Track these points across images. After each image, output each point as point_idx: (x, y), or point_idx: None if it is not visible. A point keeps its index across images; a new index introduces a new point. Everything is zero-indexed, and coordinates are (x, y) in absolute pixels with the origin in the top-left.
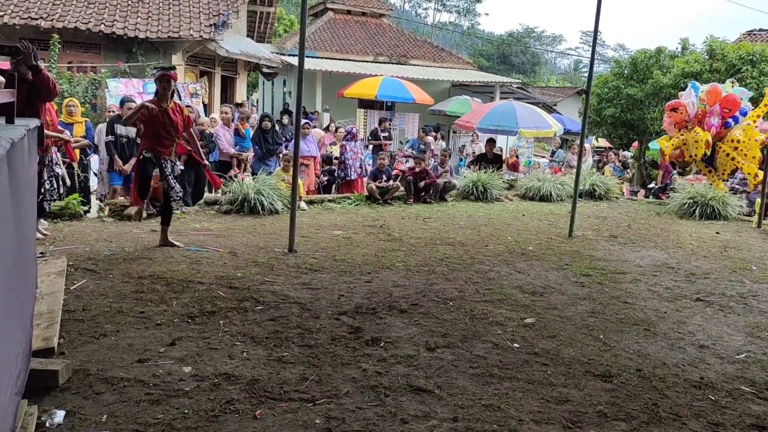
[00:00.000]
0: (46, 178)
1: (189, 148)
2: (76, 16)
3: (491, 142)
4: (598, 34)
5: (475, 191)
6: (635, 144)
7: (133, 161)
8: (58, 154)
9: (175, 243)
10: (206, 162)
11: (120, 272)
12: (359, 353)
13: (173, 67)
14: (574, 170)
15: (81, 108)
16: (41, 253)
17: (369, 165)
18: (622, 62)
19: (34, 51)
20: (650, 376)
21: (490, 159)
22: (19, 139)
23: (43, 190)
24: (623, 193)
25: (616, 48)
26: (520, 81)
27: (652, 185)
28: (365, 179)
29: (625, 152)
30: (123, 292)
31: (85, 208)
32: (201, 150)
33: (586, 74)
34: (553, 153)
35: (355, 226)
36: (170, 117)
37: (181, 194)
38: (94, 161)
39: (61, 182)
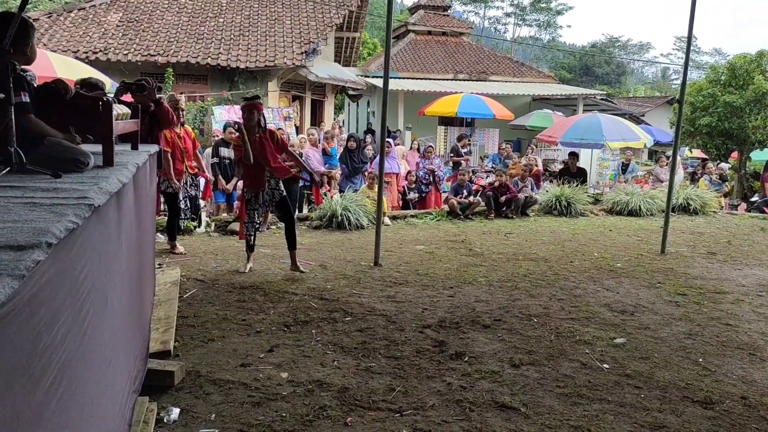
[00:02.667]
0: (181, 198)
1: (292, 169)
2: (188, 51)
3: (574, 155)
4: (692, 39)
5: (558, 206)
6: (734, 154)
7: (234, 181)
8: (191, 178)
9: (301, 268)
10: (315, 177)
11: (225, 283)
12: (444, 367)
13: (256, 97)
14: (664, 184)
15: (192, 133)
16: (159, 264)
17: (449, 181)
18: (719, 68)
19: (157, 86)
20: (757, 404)
21: (573, 173)
22: (143, 163)
23: (180, 208)
24: (722, 207)
25: (711, 53)
26: (605, 92)
27: (755, 198)
28: (443, 195)
29: (722, 164)
30: (228, 301)
31: (194, 223)
32: (307, 165)
33: (676, 82)
34: (625, 167)
35: (437, 241)
36: (261, 146)
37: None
38: (202, 181)
39: (193, 203)
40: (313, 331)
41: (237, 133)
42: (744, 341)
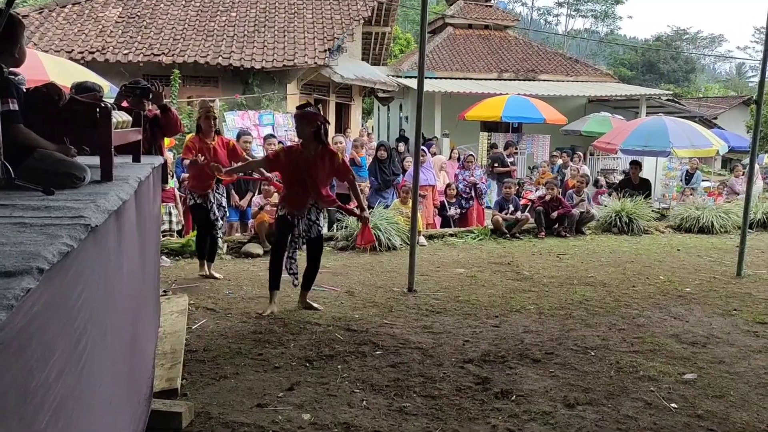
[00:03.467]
0: (214, 207)
1: (335, 199)
2: (196, 51)
3: (636, 164)
4: None
5: (618, 222)
6: None
7: (249, 196)
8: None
9: (314, 305)
10: (366, 214)
11: (239, 312)
12: (488, 407)
13: (306, 105)
14: (740, 197)
15: (232, 143)
16: (164, 291)
17: (493, 195)
18: None
19: (164, 89)
20: None
21: (635, 185)
22: (146, 178)
23: (216, 226)
24: None
25: None
26: (671, 92)
27: None
28: (487, 210)
29: None
30: (242, 333)
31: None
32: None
33: (754, 80)
34: (689, 177)
35: (480, 264)
36: (313, 165)
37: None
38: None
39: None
40: (339, 366)
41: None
42: None
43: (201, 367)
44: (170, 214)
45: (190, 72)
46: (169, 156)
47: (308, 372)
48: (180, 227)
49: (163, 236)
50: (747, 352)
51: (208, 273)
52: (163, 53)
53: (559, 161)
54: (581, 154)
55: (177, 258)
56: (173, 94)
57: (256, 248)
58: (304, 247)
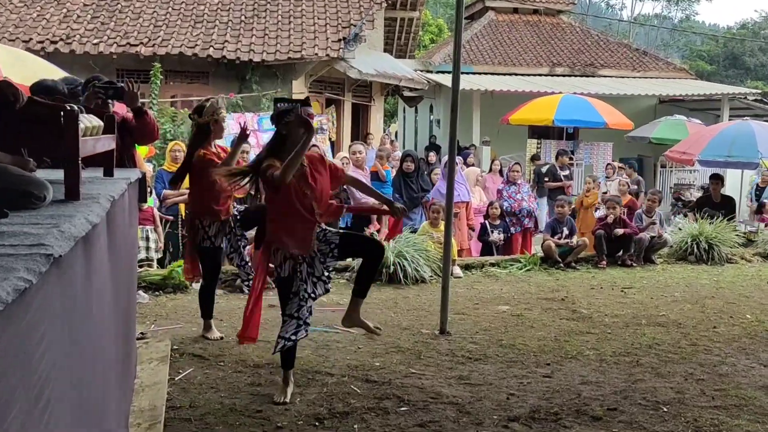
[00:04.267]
0: (228, 246)
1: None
2: (181, 40)
3: (717, 179)
4: None
5: (695, 249)
6: None
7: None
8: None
9: (372, 326)
10: (396, 205)
11: (233, 359)
12: None
13: (286, 100)
14: None
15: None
16: (141, 333)
17: (546, 216)
18: None
19: (139, 88)
20: None
21: (716, 203)
22: (120, 196)
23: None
24: None
25: None
26: (759, 91)
27: None
28: (537, 235)
29: None
30: (236, 385)
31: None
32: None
33: None
34: (760, 193)
35: (528, 300)
36: (313, 177)
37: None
38: None
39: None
40: (356, 426)
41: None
42: None
43: (186, 427)
44: (148, 239)
45: (175, 66)
46: (148, 168)
47: None
48: (160, 255)
49: (140, 266)
50: None
51: (216, 336)
52: (142, 43)
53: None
54: (624, 165)
55: (157, 293)
56: (153, 93)
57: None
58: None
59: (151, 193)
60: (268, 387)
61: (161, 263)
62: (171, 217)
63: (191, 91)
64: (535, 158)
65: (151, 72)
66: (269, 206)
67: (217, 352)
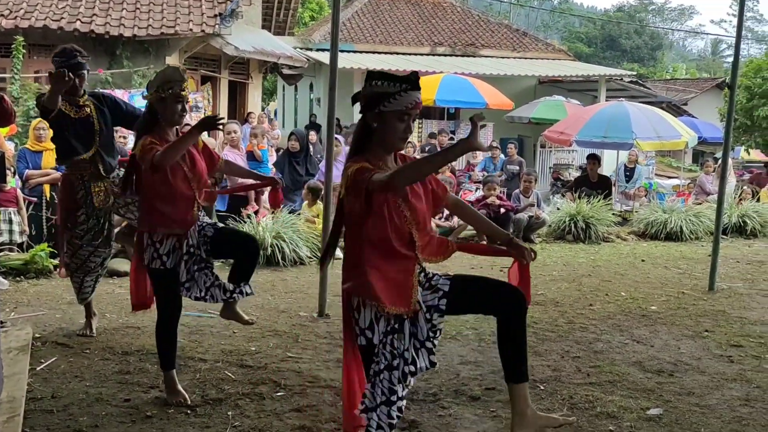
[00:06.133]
0: (189, 277)
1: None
2: (45, 12)
3: (594, 159)
4: (754, 2)
5: (573, 228)
6: None
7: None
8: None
9: (245, 317)
10: (276, 179)
11: (99, 346)
12: None
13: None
14: (710, 197)
15: (51, 131)
16: (0, 322)
17: None
18: None
19: None
20: None
21: (593, 183)
22: None
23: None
24: None
25: None
26: (635, 73)
27: None
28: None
29: None
30: (103, 373)
31: (57, 261)
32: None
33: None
34: (630, 174)
35: None
36: (191, 154)
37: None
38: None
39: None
40: (230, 413)
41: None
42: None
43: (48, 419)
44: (10, 221)
45: (39, 40)
46: (9, 148)
47: (189, 421)
48: (23, 239)
49: (1, 251)
50: (720, 380)
51: (182, 399)
52: (2, 15)
53: (501, 155)
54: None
55: (18, 278)
56: (15, 69)
57: (123, 264)
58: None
59: (14, 173)
60: (138, 375)
61: (22, 248)
62: (35, 199)
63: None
64: (432, 136)
65: (13, 46)
66: (148, 191)
67: (83, 340)
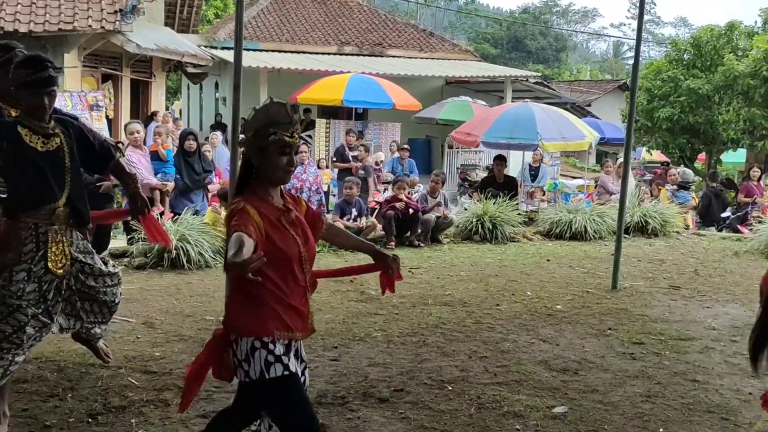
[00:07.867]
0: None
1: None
2: None
3: (501, 160)
4: (651, 5)
5: (480, 229)
6: (701, 156)
7: None
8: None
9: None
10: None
11: None
12: None
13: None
14: (613, 197)
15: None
16: None
17: (333, 196)
18: (681, 44)
19: None
20: None
21: (500, 183)
22: None
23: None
24: (687, 226)
25: (676, 23)
26: (540, 74)
27: (726, 214)
28: (327, 216)
29: (685, 169)
30: None
31: None
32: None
33: (631, 61)
34: (535, 173)
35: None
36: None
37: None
38: None
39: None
40: (133, 420)
41: None
42: (715, 402)
43: None
44: None
45: None
46: None
47: (91, 430)
48: None
49: None
50: (622, 377)
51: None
52: None
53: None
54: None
55: None
56: None
57: None
58: None
59: None
60: (36, 383)
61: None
62: None
63: None
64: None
65: None
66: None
67: None
